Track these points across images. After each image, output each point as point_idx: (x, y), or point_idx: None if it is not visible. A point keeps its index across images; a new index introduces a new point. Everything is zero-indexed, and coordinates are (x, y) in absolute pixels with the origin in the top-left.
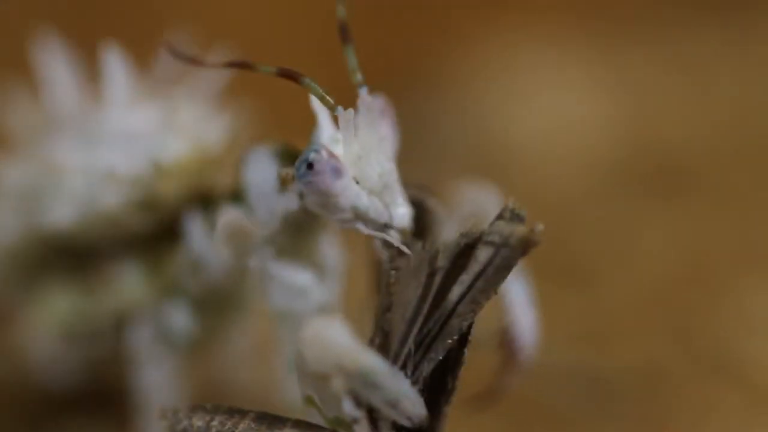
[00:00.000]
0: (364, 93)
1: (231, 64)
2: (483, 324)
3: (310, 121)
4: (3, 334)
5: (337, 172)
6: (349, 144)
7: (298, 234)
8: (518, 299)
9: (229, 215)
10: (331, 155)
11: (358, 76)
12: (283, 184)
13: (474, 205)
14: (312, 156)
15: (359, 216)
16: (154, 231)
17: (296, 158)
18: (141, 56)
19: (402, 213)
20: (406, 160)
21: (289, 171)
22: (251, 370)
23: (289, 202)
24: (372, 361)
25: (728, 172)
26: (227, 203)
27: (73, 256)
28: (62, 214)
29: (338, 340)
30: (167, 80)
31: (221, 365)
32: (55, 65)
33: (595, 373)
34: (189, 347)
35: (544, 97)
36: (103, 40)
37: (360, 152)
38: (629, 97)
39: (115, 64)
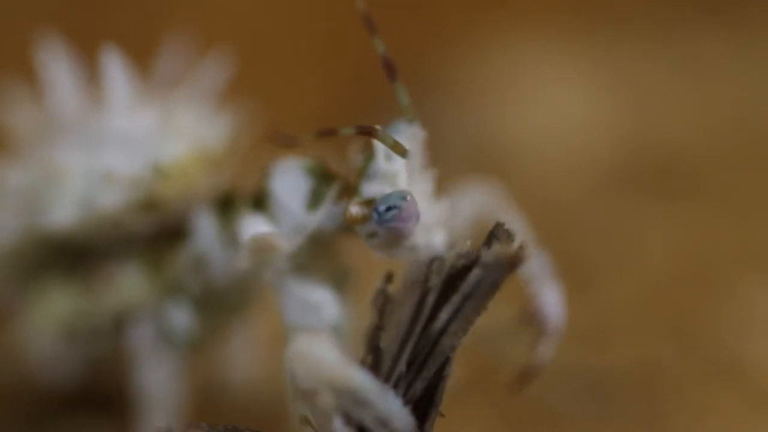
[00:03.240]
0: (417, 130)
1: (322, 133)
2: (495, 316)
3: (307, 122)
4: (3, 333)
5: (417, 217)
6: (414, 185)
7: (317, 251)
8: (539, 273)
9: (257, 228)
10: (415, 201)
11: (411, 114)
12: (352, 222)
13: (478, 206)
14: (401, 203)
15: (410, 251)
16: (154, 231)
17: (328, 177)
18: (142, 57)
19: (440, 241)
20: None
21: (360, 210)
22: (252, 370)
23: (324, 223)
24: (360, 377)
25: (728, 172)
26: (249, 211)
27: (73, 255)
28: (62, 215)
29: (325, 356)
30: (167, 82)
31: (222, 364)
32: (57, 67)
33: (594, 372)
34: (190, 346)
35: (544, 97)
36: (104, 41)
37: (422, 193)
38: (629, 97)
39: (114, 67)
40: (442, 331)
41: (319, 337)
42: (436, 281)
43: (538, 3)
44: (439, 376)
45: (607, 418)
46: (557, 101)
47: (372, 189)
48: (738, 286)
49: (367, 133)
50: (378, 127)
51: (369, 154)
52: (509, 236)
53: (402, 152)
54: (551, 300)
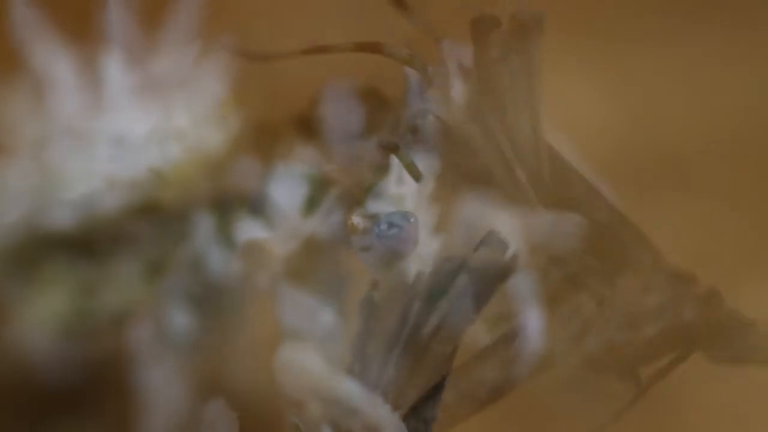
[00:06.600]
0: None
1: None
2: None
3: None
4: (3, 333)
5: (416, 242)
6: (419, 214)
7: (312, 256)
8: (521, 292)
9: (253, 233)
10: (418, 225)
11: (417, 172)
12: (351, 231)
13: (474, 216)
14: (404, 223)
15: (397, 276)
16: (154, 232)
17: (326, 184)
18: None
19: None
20: None
21: (362, 222)
22: (252, 370)
23: (319, 230)
24: (346, 385)
25: (728, 172)
26: (246, 214)
27: (73, 254)
28: (62, 217)
29: (311, 366)
30: (167, 84)
31: (221, 365)
32: (57, 68)
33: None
34: (189, 346)
35: (544, 97)
36: (104, 41)
37: (424, 223)
38: (630, 98)
39: (115, 68)
40: (431, 337)
41: (305, 347)
42: (421, 287)
43: (539, 4)
44: (437, 387)
45: (608, 417)
46: (557, 102)
47: (377, 207)
48: (739, 286)
49: (388, 148)
50: (400, 148)
51: (380, 173)
52: (501, 245)
53: (417, 176)
54: (532, 323)
